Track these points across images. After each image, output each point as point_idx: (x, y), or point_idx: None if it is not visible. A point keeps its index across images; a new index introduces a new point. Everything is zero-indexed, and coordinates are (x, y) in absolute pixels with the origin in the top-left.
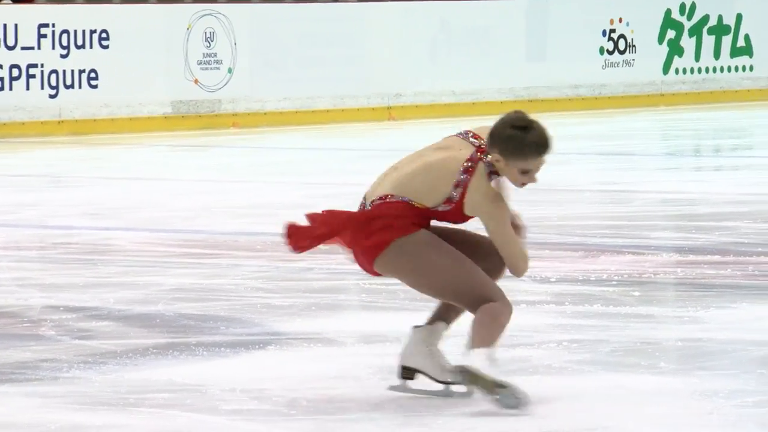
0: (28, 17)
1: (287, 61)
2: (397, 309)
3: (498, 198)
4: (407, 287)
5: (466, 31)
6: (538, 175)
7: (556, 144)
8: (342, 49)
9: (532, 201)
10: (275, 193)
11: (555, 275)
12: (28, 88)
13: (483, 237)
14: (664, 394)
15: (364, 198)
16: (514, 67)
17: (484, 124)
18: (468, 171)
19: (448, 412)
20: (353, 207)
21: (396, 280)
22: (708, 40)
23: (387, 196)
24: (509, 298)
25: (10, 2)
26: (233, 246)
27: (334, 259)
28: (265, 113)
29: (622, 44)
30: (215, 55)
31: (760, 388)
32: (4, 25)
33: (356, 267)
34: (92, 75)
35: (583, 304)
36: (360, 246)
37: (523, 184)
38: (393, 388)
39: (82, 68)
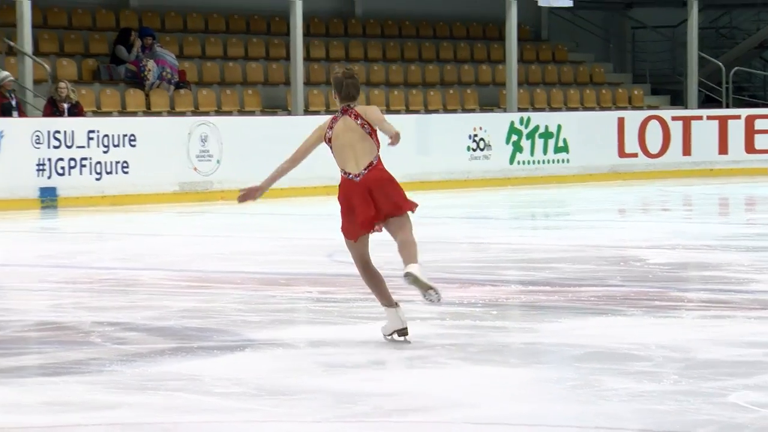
0: (81, 125)
1: (256, 153)
2: (334, 323)
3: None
4: (349, 306)
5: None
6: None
7: (440, 211)
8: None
9: (425, 250)
10: (251, 244)
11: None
12: (81, 174)
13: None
14: (512, 377)
15: (347, 173)
16: (407, 158)
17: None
18: (357, 115)
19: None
20: (306, 252)
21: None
22: (539, 142)
23: (371, 163)
24: (408, 317)
25: (68, 115)
26: (221, 280)
27: (290, 290)
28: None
29: (482, 144)
30: (208, 151)
31: (578, 376)
32: (65, 132)
33: (306, 294)
34: (125, 164)
35: (458, 319)
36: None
37: None
38: (331, 377)
39: (117, 160)
